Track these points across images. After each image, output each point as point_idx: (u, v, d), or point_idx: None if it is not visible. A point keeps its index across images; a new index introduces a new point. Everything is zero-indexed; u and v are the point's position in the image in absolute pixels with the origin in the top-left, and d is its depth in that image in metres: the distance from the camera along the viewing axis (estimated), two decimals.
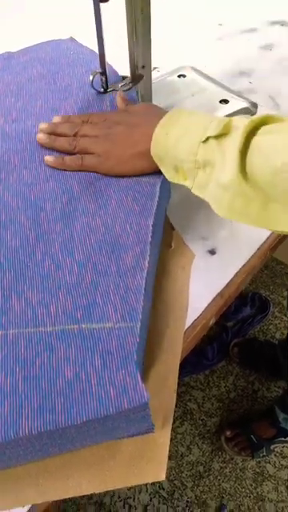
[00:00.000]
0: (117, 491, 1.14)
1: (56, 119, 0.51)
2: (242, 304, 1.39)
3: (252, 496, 1.12)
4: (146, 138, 0.43)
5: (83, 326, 0.36)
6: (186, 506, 1.11)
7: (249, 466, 1.17)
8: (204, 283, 0.45)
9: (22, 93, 0.57)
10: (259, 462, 1.17)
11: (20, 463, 0.35)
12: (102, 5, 0.46)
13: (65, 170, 0.48)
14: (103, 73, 0.53)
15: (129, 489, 1.14)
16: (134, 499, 1.13)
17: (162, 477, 0.37)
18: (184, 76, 0.67)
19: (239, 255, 0.48)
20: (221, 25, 0.87)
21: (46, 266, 0.40)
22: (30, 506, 0.35)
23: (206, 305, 0.44)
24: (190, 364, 1.28)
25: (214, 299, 0.45)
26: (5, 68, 0.62)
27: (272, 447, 1.15)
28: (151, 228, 0.42)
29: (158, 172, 0.45)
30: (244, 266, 0.47)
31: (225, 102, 0.62)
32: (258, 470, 1.16)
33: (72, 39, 0.65)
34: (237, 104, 0.62)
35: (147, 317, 0.38)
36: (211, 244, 0.49)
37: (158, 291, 0.44)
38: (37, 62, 0.62)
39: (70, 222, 0.43)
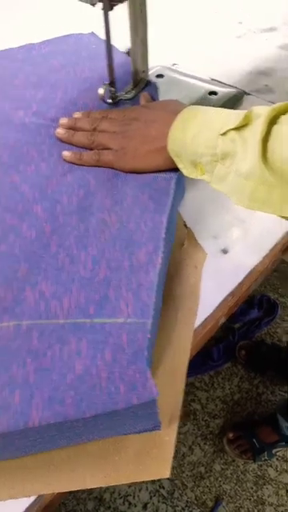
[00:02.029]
0: (117, 488, 1.14)
1: (76, 114, 0.52)
2: (250, 306, 1.39)
3: (252, 499, 1.12)
4: (163, 135, 0.43)
5: (95, 320, 0.36)
6: (186, 506, 1.11)
7: (250, 468, 1.16)
8: (215, 282, 0.45)
9: (42, 84, 0.57)
10: (261, 466, 1.17)
11: (27, 454, 0.35)
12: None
13: (82, 165, 0.48)
14: (112, 83, 0.53)
15: (129, 486, 1.14)
16: (133, 497, 1.13)
17: (167, 474, 0.37)
18: (162, 76, 0.66)
19: (251, 255, 0.47)
20: (241, 23, 0.86)
21: (60, 258, 0.40)
22: (35, 496, 0.35)
23: (216, 304, 0.44)
24: (195, 364, 1.28)
25: (225, 299, 0.45)
26: (25, 59, 0.62)
27: (274, 451, 1.14)
28: (165, 225, 0.42)
29: (174, 169, 0.45)
30: (256, 266, 0.47)
31: (214, 93, 0.62)
32: (259, 473, 1.16)
33: (93, 34, 0.66)
34: (226, 93, 0.62)
35: (158, 314, 0.38)
36: (223, 243, 0.48)
37: (169, 289, 0.44)
38: (58, 53, 0.62)
39: (85, 216, 0.43)
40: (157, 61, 0.63)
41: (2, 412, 0.31)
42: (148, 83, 0.56)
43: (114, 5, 0.45)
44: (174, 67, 0.68)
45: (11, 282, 0.39)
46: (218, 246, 0.48)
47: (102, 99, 0.52)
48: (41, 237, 0.41)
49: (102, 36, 0.49)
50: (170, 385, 0.39)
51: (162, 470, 0.36)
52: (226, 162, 0.39)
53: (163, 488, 1.14)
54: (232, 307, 0.45)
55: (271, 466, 1.17)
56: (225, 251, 0.47)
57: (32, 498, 0.35)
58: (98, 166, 0.48)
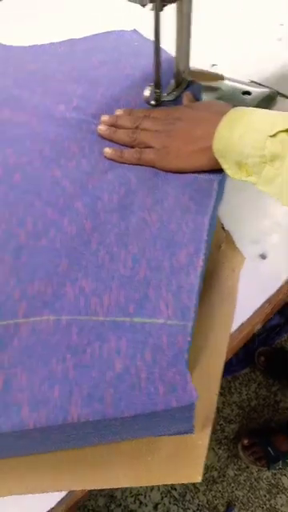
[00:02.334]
0: (129, 487, 1.14)
1: (119, 112, 0.52)
2: None
3: (265, 507, 1.11)
4: (208, 134, 0.43)
5: (135, 319, 0.36)
6: (197, 509, 1.11)
7: (264, 476, 1.15)
8: (253, 287, 0.45)
9: (83, 79, 0.57)
10: (275, 474, 1.15)
11: (61, 449, 0.36)
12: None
13: (122, 163, 0.48)
14: (157, 85, 0.52)
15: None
16: (145, 496, 1.13)
17: (198, 479, 0.36)
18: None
19: None
20: (282, 25, 0.85)
21: (100, 255, 0.40)
22: (66, 492, 0.35)
23: (253, 310, 0.44)
24: None
25: (262, 305, 0.44)
26: (68, 55, 0.62)
27: None
28: (207, 227, 0.41)
29: (215, 170, 0.45)
30: None
31: (248, 93, 0.61)
32: (273, 482, 1.14)
33: (135, 31, 0.65)
34: (260, 93, 0.61)
35: (196, 316, 0.38)
36: (262, 248, 0.48)
37: (205, 290, 0.44)
38: (99, 49, 0.62)
39: (126, 214, 0.43)
40: (197, 61, 0.62)
41: (41, 406, 0.31)
42: (190, 83, 0.56)
43: (165, 5, 0.44)
44: (211, 68, 0.67)
45: (51, 276, 0.39)
46: (257, 251, 0.47)
47: (147, 101, 0.52)
48: (81, 233, 0.41)
49: (144, 34, 0.48)
50: (206, 388, 0.38)
51: (194, 474, 0.36)
52: (275, 163, 0.39)
53: (175, 490, 1.14)
54: (269, 313, 0.44)
55: (285, 475, 1.15)
56: (263, 256, 0.47)
57: (63, 494, 0.36)
58: (139, 165, 0.47)
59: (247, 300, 0.44)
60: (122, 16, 0.71)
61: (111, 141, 0.50)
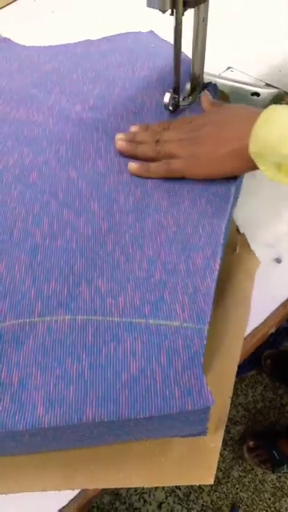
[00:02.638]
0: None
1: (134, 128, 0.50)
2: None
3: (269, 510, 1.11)
4: (240, 135, 0.41)
5: (150, 321, 0.36)
6: (201, 510, 1.11)
7: (269, 479, 1.15)
8: (267, 291, 0.45)
9: (99, 80, 0.58)
10: (280, 477, 1.15)
11: (74, 447, 0.36)
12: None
13: (149, 177, 0.46)
14: (175, 90, 0.51)
15: None
16: (149, 495, 1.14)
17: (210, 481, 0.37)
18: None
19: None
20: None
21: (116, 256, 0.40)
22: (78, 490, 0.36)
23: (267, 314, 0.44)
24: None
25: (277, 309, 0.44)
26: (84, 55, 0.62)
27: None
28: (224, 230, 0.41)
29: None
30: None
31: (256, 94, 0.60)
32: (278, 485, 1.14)
33: (152, 32, 0.65)
34: (268, 93, 0.61)
35: (211, 320, 0.38)
36: (277, 252, 0.48)
37: (220, 293, 0.44)
38: (116, 50, 0.62)
39: (141, 216, 0.43)
40: (212, 63, 0.62)
41: (56, 405, 0.32)
42: (206, 85, 0.56)
43: (186, 10, 0.44)
44: (226, 71, 0.67)
45: (67, 276, 0.39)
46: (272, 255, 0.47)
47: (166, 107, 0.51)
48: (97, 234, 0.42)
49: (160, 35, 0.48)
50: (219, 391, 0.38)
51: (207, 476, 0.36)
52: None
53: (179, 489, 1.14)
54: (283, 317, 0.44)
55: None
56: (278, 260, 0.47)
57: (75, 492, 0.36)
58: (168, 178, 0.46)
59: (261, 304, 0.44)
60: (138, 16, 0.71)
61: (134, 157, 0.48)
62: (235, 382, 1.23)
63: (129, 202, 0.44)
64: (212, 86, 0.55)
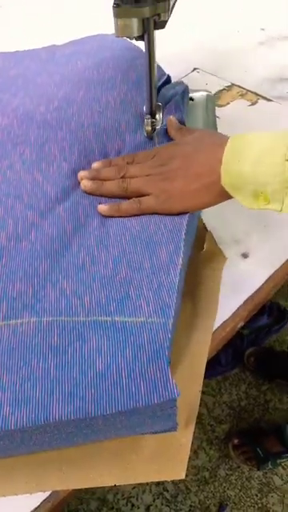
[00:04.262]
0: (121, 489, 1.14)
1: (96, 165, 0.47)
2: (260, 313, 1.38)
3: (256, 506, 1.11)
4: (210, 169, 0.40)
5: (116, 318, 0.36)
6: (189, 510, 1.11)
7: (255, 475, 1.16)
8: (235, 286, 0.45)
9: (64, 82, 0.58)
10: (266, 473, 1.16)
11: (44, 450, 0.36)
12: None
13: (121, 216, 0.44)
14: (153, 115, 0.49)
15: (133, 488, 1.14)
16: (137, 498, 1.13)
17: (182, 475, 0.37)
18: None
19: (272, 260, 0.47)
20: (263, 29, 0.86)
21: (81, 257, 0.40)
22: (49, 492, 0.36)
23: (235, 308, 0.44)
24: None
25: (244, 303, 0.45)
26: (49, 60, 0.62)
27: (279, 461, 1.13)
28: (185, 227, 0.42)
29: None
30: (277, 271, 0.47)
31: (191, 99, 0.58)
32: (264, 481, 1.15)
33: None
34: (201, 96, 0.59)
35: (177, 315, 0.38)
36: (244, 247, 0.48)
37: (188, 291, 0.44)
38: (81, 54, 0.62)
39: (106, 220, 0.43)
40: (178, 66, 0.63)
41: (22, 406, 0.32)
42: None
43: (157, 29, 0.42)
44: (193, 72, 0.68)
45: (32, 278, 0.39)
46: (239, 250, 0.48)
47: (149, 133, 0.50)
48: (62, 236, 0.42)
49: None
50: (188, 387, 0.39)
51: (178, 470, 0.36)
52: None
53: (167, 491, 1.14)
54: (251, 311, 0.45)
55: (276, 474, 1.16)
56: (245, 255, 0.47)
57: (46, 494, 0.36)
58: (139, 215, 0.44)
59: (229, 299, 0.44)
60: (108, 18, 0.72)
61: (100, 196, 0.45)
62: (219, 382, 1.23)
63: (93, 205, 0.44)
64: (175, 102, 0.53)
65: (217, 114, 0.66)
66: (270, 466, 1.13)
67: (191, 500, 1.12)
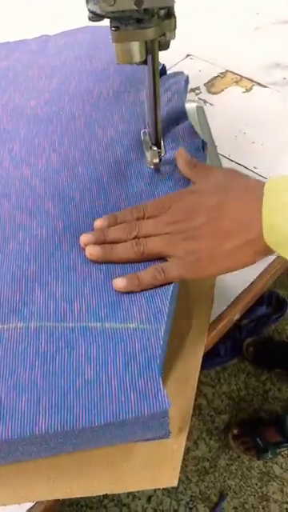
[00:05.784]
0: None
1: (99, 223, 0.39)
2: (258, 303, 1.37)
3: (257, 495, 1.12)
4: (246, 225, 0.34)
5: (106, 324, 0.35)
6: (190, 501, 1.11)
7: (255, 465, 1.16)
8: (232, 278, 0.43)
9: (56, 74, 0.56)
10: (266, 462, 1.16)
11: (32, 459, 0.35)
12: None
13: (143, 290, 0.37)
14: (157, 144, 0.45)
15: None
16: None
17: (174, 483, 0.36)
18: None
19: None
20: (258, 13, 0.83)
21: (72, 258, 0.39)
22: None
23: (232, 299, 0.44)
24: (202, 359, 1.27)
25: (240, 294, 0.44)
26: (40, 51, 0.60)
27: (278, 451, 1.14)
28: None
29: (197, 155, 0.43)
30: (272, 262, 0.46)
31: None
32: (264, 470, 1.15)
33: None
34: (191, 108, 0.53)
35: (171, 319, 0.37)
36: None
37: (182, 291, 0.43)
38: (74, 45, 0.60)
39: (99, 216, 0.42)
40: (170, 52, 0.60)
41: (8, 418, 0.31)
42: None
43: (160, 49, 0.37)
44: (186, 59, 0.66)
45: (20, 281, 0.38)
46: None
47: (155, 166, 0.44)
48: (52, 235, 0.40)
49: None
50: (181, 393, 0.38)
51: (170, 478, 0.36)
52: None
53: None
54: (248, 302, 0.44)
55: (276, 463, 1.16)
56: None
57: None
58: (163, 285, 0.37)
59: (226, 290, 0.44)
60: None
61: (111, 262, 0.38)
62: (218, 372, 1.23)
63: (85, 200, 0.43)
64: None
65: (211, 101, 0.64)
66: (270, 456, 1.13)
67: (192, 490, 1.13)
